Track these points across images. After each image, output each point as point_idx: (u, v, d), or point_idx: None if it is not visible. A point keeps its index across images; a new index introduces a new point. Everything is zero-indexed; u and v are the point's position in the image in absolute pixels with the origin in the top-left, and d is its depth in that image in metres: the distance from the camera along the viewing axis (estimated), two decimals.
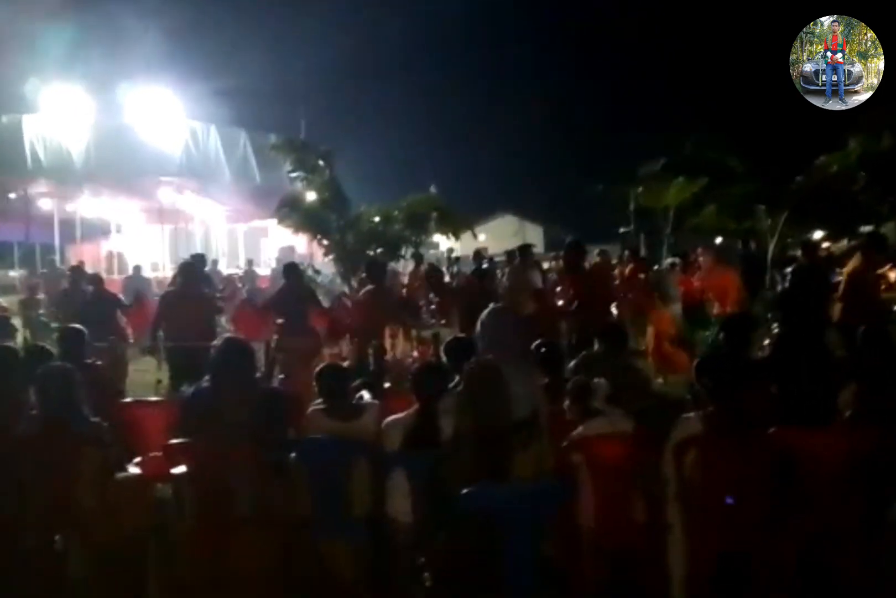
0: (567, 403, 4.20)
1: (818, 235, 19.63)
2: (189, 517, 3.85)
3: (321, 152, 11.56)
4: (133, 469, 4.14)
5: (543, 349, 4.87)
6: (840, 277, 8.28)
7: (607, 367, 4.77)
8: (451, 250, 21.15)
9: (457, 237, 12.22)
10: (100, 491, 3.89)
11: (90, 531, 3.85)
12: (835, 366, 4.59)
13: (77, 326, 5.44)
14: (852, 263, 7.84)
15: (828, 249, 16.24)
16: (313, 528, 3.87)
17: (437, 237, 15.42)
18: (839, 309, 7.39)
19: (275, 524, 3.75)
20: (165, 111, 18.91)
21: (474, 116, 57.18)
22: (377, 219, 11.47)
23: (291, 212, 11.46)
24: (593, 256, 16.50)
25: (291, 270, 8.27)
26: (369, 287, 7.91)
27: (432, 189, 11.90)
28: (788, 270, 9.61)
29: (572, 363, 5.25)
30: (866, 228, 12.02)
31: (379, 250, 11.29)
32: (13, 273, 20.40)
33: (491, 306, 5.07)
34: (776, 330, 5.79)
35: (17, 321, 11.46)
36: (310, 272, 11.85)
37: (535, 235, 38.43)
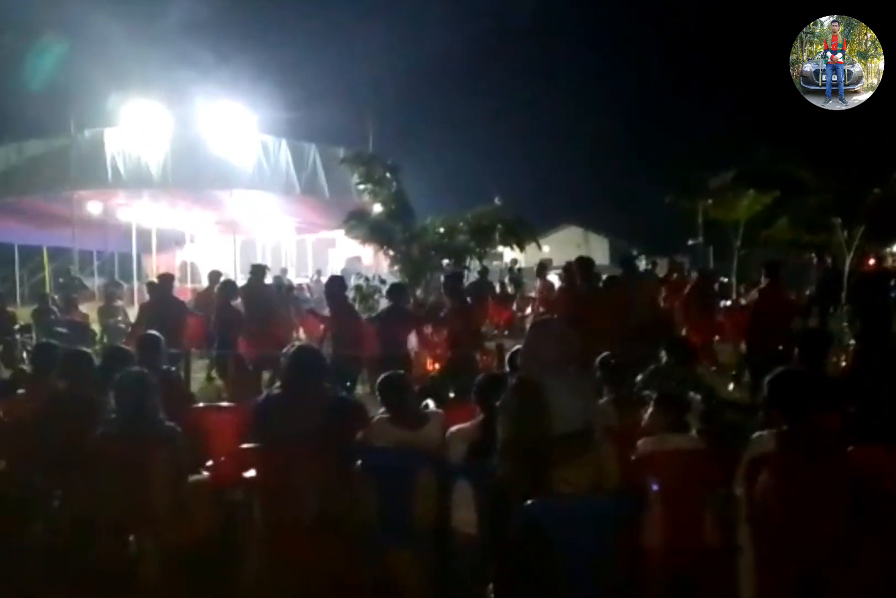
0: (651, 412, 3.96)
1: None
2: (258, 521, 3.92)
3: (388, 165, 11.68)
4: (205, 473, 4.25)
5: (611, 362, 4.81)
6: None
7: (677, 381, 4.69)
8: (514, 261, 21.10)
9: (521, 249, 12.18)
10: (173, 494, 4.00)
11: (162, 533, 3.96)
12: None
13: (154, 332, 5.61)
14: None
15: None
16: (378, 537, 3.88)
17: (500, 248, 15.38)
18: None
19: (339, 530, 3.79)
20: (239, 125, 19.40)
21: (539, 127, 57.09)
22: (442, 230, 11.53)
23: (359, 224, 11.60)
24: (663, 268, 16.28)
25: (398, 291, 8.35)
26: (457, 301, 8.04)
27: (497, 201, 11.83)
28: None
29: (640, 377, 5.18)
30: None
31: (444, 262, 11.34)
32: (95, 281, 21.10)
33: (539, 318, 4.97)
34: (852, 346, 5.61)
35: (95, 328, 11.92)
36: (376, 282, 12.01)
37: (599, 247, 37.91)
